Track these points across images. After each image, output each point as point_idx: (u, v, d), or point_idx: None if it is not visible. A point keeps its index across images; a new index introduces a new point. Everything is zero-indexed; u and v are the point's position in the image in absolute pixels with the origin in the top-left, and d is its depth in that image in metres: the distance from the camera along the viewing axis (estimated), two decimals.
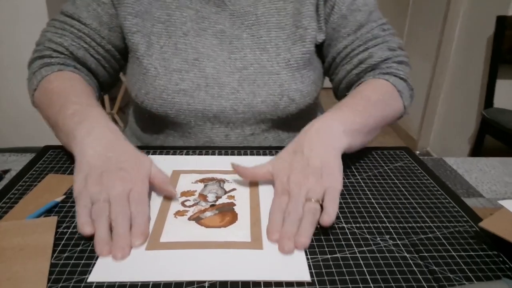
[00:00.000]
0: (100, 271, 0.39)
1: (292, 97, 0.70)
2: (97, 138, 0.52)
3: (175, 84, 0.67)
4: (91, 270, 0.39)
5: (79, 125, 0.54)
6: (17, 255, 0.41)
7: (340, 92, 0.78)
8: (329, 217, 0.45)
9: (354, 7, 0.69)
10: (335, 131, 0.55)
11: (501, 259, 0.42)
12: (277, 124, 0.73)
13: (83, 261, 0.41)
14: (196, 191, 0.54)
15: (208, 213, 0.49)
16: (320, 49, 0.75)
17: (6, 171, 0.60)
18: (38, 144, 0.65)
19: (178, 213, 0.49)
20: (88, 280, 0.38)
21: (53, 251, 0.42)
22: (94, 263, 0.40)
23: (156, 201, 0.52)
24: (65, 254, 0.42)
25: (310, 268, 0.40)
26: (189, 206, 0.51)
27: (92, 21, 0.68)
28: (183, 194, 0.54)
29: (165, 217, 0.48)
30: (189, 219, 0.48)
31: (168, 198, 0.52)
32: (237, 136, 0.72)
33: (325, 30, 0.72)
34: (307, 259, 0.41)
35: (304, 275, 0.39)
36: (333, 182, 0.50)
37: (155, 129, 0.76)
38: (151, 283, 0.38)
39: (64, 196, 0.52)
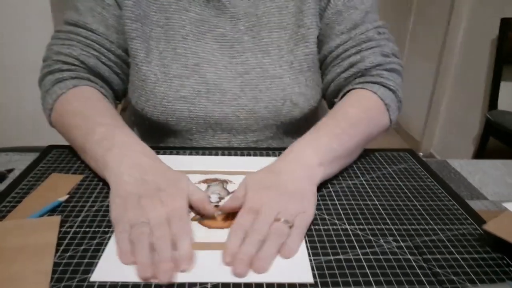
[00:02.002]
0: (103, 271, 0.39)
1: (295, 101, 0.68)
2: (132, 164, 0.51)
3: (176, 91, 0.66)
4: (94, 270, 0.39)
5: (110, 152, 0.52)
6: (20, 254, 0.41)
7: (328, 95, 0.74)
8: (290, 249, 0.42)
9: (350, 4, 0.66)
10: (311, 164, 0.53)
11: (505, 261, 0.42)
12: (281, 130, 0.72)
13: (86, 260, 0.41)
14: None
15: None
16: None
17: (10, 171, 0.61)
18: (42, 144, 0.65)
19: None
20: (91, 280, 0.38)
21: (56, 251, 0.42)
22: (97, 262, 0.40)
23: None
24: (68, 254, 0.42)
25: (312, 270, 0.40)
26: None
27: (99, 25, 0.65)
28: None
29: None
30: (192, 219, 0.48)
31: None
32: (240, 143, 0.71)
33: (320, 25, 0.69)
34: (310, 260, 0.41)
35: (307, 277, 0.39)
36: (307, 208, 0.47)
37: (155, 137, 0.74)
38: (153, 284, 0.38)
39: (67, 196, 0.52)
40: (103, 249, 0.42)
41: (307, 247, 0.43)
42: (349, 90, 0.67)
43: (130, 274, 0.39)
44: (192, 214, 0.49)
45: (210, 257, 0.42)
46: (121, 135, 0.55)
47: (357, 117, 0.60)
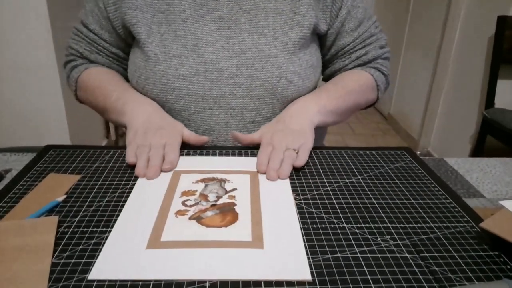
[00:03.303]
0: (101, 269, 0.39)
1: (290, 79, 0.72)
2: (142, 111, 0.69)
3: (175, 69, 0.70)
4: (92, 268, 0.39)
5: (125, 105, 0.70)
6: (18, 255, 0.41)
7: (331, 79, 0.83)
8: (300, 161, 0.61)
9: (355, 3, 0.76)
10: (311, 110, 0.70)
11: (502, 259, 0.42)
12: (277, 110, 0.74)
13: (83, 260, 0.41)
14: (196, 191, 0.54)
15: (209, 213, 0.49)
16: (319, 38, 0.79)
17: (7, 171, 0.61)
18: (39, 144, 0.65)
19: (179, 213, 0.49)
20: (89, 278, 0.38)
21: (54, 251, 0.42)
22: (95, 261, 0.40)
23: (157, 200, 0.52)
24: (66, 254, 0.42)
25: (311, 268, 0.40)
26: (190, 206, 0.51)
27: (95, 26, 0.76)
28: (184, 193, 0.54)
29: (166, 217, 0.48)
30: (190, 218, 0.48)
31: (169, 197, 0.52)
32: (237, 124, 0.73)
33: (332, 23, 0.76)
34: (308, 258, 0.41)
35: (305, 275, 0.39)
36: (306, 141, 0.64)
37: None
38: (151, 282, 0.38)
39: (65, 196, 0.52)
40: (101, 249, 0.42)
41: (305, 245, 0.44)
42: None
43: (129, 273, 0.39)
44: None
45: (208, 256, 0.42)
46: (131, 94, 0.73)
47: (353, 88, 0.76)
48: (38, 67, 1.73)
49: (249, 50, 0.71)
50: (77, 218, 0.48)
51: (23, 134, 1.85)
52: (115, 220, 0.47)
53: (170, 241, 0.44)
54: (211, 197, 0.53)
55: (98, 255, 0.41)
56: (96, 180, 0.57)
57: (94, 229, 0.46)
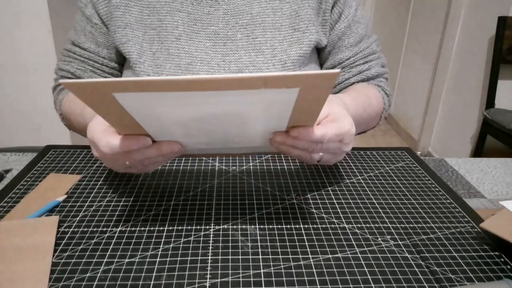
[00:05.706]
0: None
1: None
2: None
3: None
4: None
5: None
6: (18, 254, 0.41)
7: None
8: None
9: (356, 18, 0.73)
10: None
11: (502, 259, 0.42)
12: None
13: (84, 260, 0.41)
14: None
15: None
16: (319, 52, 0.76)
17: (7, 171, 0.61)
18: (40, 144, 0.65)
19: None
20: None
21: (55, 250, 0.42)
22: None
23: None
24: (66, 253, 0.42)
25: (311, 268, 0.40)
26: None
27: (90, 44, 0.71)
28: None
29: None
30: None
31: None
32: None
33: (329, 36, 0.72)
34: (309, 259, 0.41)
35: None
36: None
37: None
38: (153, 278, 0.38)
39: (65, 196, 0.52)
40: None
41: (305, 245, 0.44)
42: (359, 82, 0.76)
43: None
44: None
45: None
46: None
47: (371, 102, 0.70)
48: (39, 67, 1.73)
49: (246, 69, 0.68)
50: (78, 218, 0.48)
51: (24, 134, 1.85)
52: (116, 220, 0.47)
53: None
54: None
55: (97, 254, 0.41)
56: (97, 180, 0.57)
57: (94, 229, 0.46)
